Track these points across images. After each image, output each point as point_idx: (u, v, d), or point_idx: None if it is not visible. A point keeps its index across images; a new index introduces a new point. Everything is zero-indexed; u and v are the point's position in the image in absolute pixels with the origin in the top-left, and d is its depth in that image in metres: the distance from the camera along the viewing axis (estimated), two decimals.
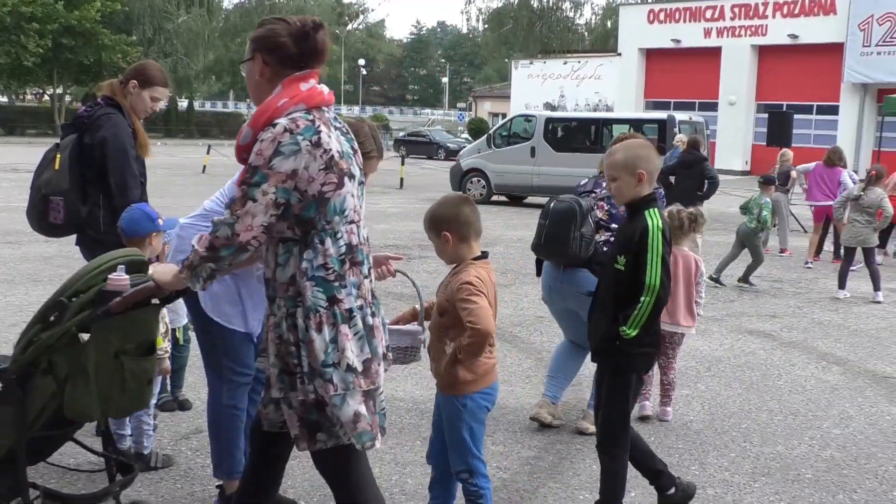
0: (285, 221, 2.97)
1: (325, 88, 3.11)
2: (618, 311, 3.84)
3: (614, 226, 5.28)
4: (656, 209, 3.87)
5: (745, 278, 11.30)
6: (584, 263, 5.31)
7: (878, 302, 10.59)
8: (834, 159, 13.80)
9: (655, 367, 5.87)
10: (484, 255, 3.71)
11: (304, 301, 2.97)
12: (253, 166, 2.93)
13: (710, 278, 11.01)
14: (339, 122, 3.17)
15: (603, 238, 5.31)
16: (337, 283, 3.00)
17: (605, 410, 4.02)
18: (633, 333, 3.79)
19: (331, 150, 2.97)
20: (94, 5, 48.27)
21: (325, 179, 2.96)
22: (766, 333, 8.62)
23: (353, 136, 3.22)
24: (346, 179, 3.02)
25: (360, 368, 3.02)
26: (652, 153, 3.94)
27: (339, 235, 3.02)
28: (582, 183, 5.67)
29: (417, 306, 3.93)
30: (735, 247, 11.55)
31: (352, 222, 3.06)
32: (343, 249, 3.03)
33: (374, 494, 3.18)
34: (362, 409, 3.03)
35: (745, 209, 11.60)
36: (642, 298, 3.74)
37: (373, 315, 3.12)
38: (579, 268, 5.33)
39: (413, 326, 3.98)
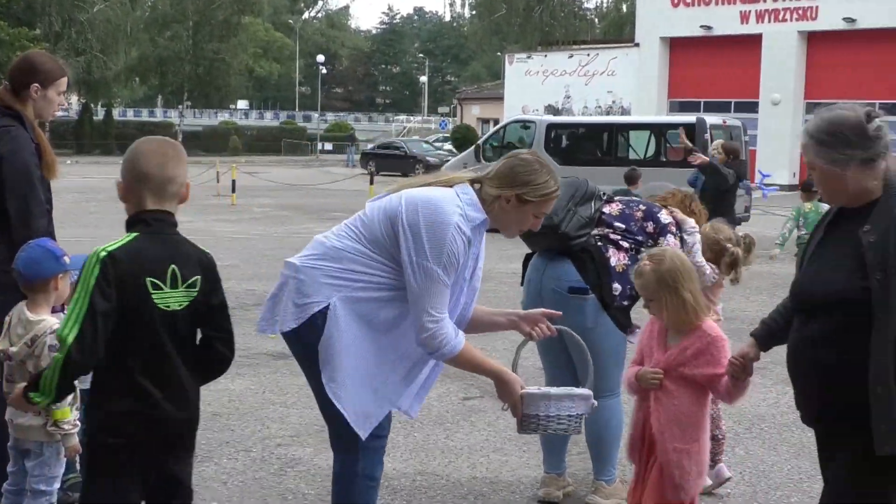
0: None
1: None
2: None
3: (618, 224, 5.52)
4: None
5: None
6: (568, 252, 5.43)
7: None
8: None
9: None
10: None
11: None
12: None
13: None
14: None
15: (601, 232, 5.50)
16: None
17: None
18: (42, 401, 3.46)
19: None
20: None
21: None
22: None
23: None
24: None
25: None
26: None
27: None
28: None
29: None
30: None
31: None
32: None
33: None
34: None
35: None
36: (55, 355, 3.43)
37: None
38: (564, 258, 5.46)
39: (584, 390, 4.29)
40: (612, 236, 5.49)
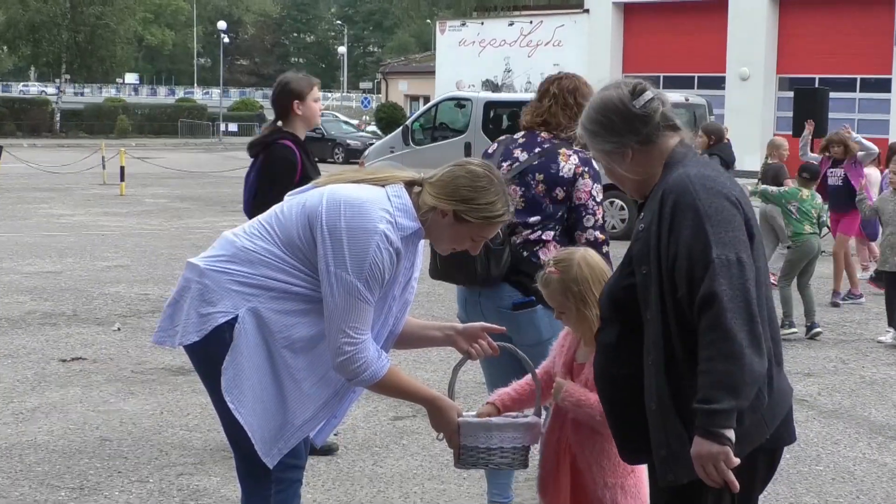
0: None
1: None
2: None
3: (532, 220, 5.41)
4: None
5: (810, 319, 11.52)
6: (503, 278, 5.40)
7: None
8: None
9: None
10: None
11: None
12: None
13: None
14: None
15: (521, 239, 5.41)
16: None
17: None
18: None
19: None
20: None
21: None
22: (799, 398, 8.66)
23: None
24: None
25: None
26: None
27: None
28: (489, 151, 5.73)
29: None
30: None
31: None
32: None
33: None
34: None
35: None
36: None
37: None
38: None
39: (532, 418, 4.24)
40: (532, 237, 5.42)
